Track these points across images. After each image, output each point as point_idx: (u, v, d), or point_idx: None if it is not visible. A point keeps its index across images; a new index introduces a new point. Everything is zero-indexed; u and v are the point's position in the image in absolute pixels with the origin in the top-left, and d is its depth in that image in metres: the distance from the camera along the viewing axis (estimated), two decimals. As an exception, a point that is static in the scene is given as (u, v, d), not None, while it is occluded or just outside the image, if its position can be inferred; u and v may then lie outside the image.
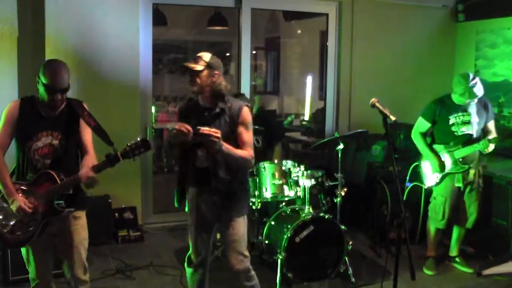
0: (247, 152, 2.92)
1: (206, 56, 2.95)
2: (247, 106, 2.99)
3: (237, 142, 2.93)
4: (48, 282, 3.03)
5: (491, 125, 4.24)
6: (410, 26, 6.01)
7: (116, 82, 4.94)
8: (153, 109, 5.43)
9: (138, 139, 2.74)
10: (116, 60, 4.92)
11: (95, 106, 4.70)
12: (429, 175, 4.27)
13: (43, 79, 2.76)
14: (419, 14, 6.03)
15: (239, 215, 3.06)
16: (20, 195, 2.78)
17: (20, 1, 4.20)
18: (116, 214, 4.96)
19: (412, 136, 4.34)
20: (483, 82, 4.10)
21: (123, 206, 5.02)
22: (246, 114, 2.94)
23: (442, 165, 4.16)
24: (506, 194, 4.62)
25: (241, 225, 3.07)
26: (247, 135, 2.94)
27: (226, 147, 2.81)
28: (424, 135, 4.29)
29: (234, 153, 2.86)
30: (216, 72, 2.93)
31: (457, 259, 4.41)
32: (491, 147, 4.00)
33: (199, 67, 2.90)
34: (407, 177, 4.46)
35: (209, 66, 2.91)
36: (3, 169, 2.81)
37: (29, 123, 2.84)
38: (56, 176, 2.76)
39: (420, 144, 4.28)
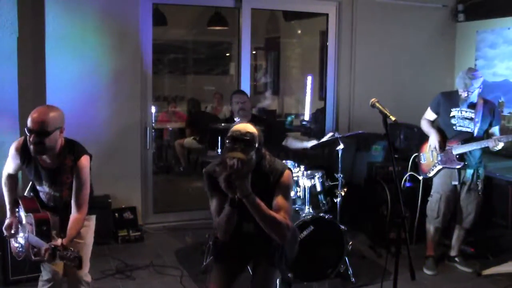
0: (283, 218, 2.55)
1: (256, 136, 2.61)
2: (289, 170, 2.73)
3: (271, 207, 2.59)
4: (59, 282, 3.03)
5: (496, 130, 4.20)
6: (410, 26, 6.00)
7: (116, 82, 4.94)
8: (153, 109, 5.43)
9: (77, 254, 2.48)
10: (116, 60, 4.92)
11: (95, 106, 4.80)
12: (427, 160, 4.29)
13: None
14: (419, 14, 6.02)
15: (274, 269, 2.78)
16: (15, 218, 2.89)
17: (20, 1, 4.19)
18: (116, 214, 4.96)
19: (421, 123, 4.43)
20: (483, 82, 4.10)
21: (123, 206, 5.02)
22: (288, 178, 2.66)
23: (441, 142, 4.18)
24: (506, 194, 4.62)
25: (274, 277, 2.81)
26: (286, 202, 2.61)
27: (256, 198, 2.49)
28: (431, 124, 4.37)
29: (265, 210, 2.51)
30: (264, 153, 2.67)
31: (456, 259, 4.41)
32: (500, 145, 3.98)
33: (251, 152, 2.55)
34: (408, 170, 4.50)
35: (258, 150, 2.61)
36: (8, 190, 2.93)
37: (31, 173, 2.84)
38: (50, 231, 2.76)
39: (424, 125, 4.38)
